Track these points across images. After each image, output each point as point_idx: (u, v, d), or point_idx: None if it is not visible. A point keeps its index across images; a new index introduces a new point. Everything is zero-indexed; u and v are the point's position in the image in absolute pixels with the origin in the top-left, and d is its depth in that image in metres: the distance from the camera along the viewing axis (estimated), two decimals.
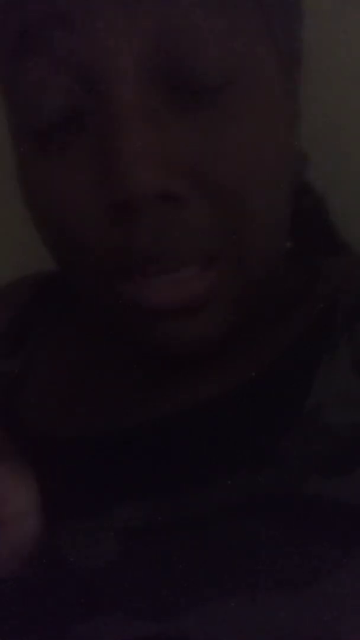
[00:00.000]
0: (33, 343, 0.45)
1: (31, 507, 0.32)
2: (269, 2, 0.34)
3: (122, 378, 0.39)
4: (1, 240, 0.54)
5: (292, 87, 0.37)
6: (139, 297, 0.34)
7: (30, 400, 0.42)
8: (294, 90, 0.37)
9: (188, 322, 0.34)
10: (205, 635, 0.29)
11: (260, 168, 0.34)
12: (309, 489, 0.32)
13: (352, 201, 0.48)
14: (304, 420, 0.33)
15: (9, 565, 0.32)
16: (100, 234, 0.33)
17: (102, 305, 0.36)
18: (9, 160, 0.37)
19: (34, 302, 0.48)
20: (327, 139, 0.47)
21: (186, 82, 0.32)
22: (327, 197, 0.46)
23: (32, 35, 0.33)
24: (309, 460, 0.32)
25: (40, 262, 0.40)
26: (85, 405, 0.39)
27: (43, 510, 0.32)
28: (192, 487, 0.33)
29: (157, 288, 0.34)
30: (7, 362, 0.44)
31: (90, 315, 0.41)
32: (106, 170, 0.32)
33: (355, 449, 0.32)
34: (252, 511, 0.32)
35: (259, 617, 0.29)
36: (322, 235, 0.46)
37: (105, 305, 0.36)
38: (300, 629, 0.29)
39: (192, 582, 0.30)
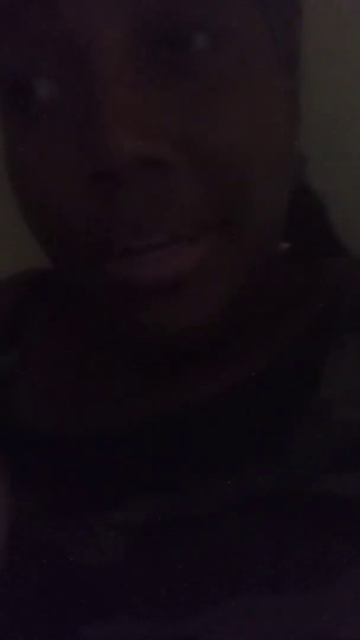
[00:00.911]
0: (28, 340, 0.45)
1: None
2: None
3: (121, 375, 0.39)
4: None
5: (287, 80, 0.36)
6: (127, 275, 0.33)
7: (27, 397, 0.42)
8: (289, 84, 0.36)
9: (178, 301, 0.33)
10: (209, 636, 0.29)
11: (248, 137, 0.33)
12: (317, 486, 0.32)
13: (352, 201, 0.48)
14: (311, 418, 0.33)
15: None
16: (83, 208, 0.32)
17: (91, 288, 0.35)
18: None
19: (29, 299, 0.48)
20: (327, 139, 0.47)
21: (170, 44, 0.31)
22: (327, 197, 0.46)
23: (8, 10, 0.32)
24: (316, 458, 0.32)
25: (36, 259, 0.40)
26: (83, 403, 0.39)
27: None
28: (197, 486, 0.33)
29: (144, 263, 0.32)
30: (2, 359, 0.44)
31: (86, 311, 0.41)
32: (87, 140, 0.31)
33: None
34: (259, 510, 0.32)
35: (265, 617, 0.29)
36: (322, 235, 0.46)
37: (94, 287, 0.35)
38: (309, 629, 0.29)
39: (195, 582, 0.30)
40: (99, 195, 0.32)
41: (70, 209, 0.33)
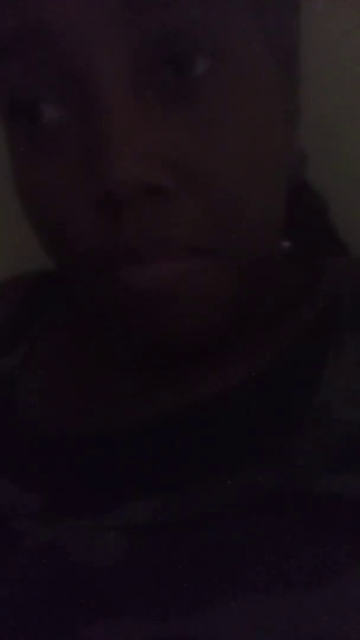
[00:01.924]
0: (31, 341, 0.45)
1: None
2: None
3: (122, 376, 0.39)
4: None
5: (286, 82, 0.36)
6: (126, 284, 0.34)
7: (29, 398, 0.42)
8: (289, 86, 0.37)
9: (174, 309, 0.34)
10: (210, 636, 0.29)
11: (249, 162, 0.33)
12: (318, 486, 0.32)
13: (352, 201, 0.48)
14: (312, 417, 0.33)
15: None
16: (86, 228, 0.33)
17: (92, 293, 0.36)
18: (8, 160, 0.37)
19: (31, 300, 0.48)
20: (327, 139, 0.47)
21: (172, 68, 0.32)
22: (327, 197, 0.46)
23: (16, 39, 0.32)
24: (317, 458, 0.32)
25: (38, 260, 0.40)
26: (85, 403, 0.39)
27: None
28: (198, 486, 0.33)
29: (142, 276, 0.33)
30: (5, 360, 0.44)
31: (88, 312, 0.41)
32: (90, 166, 0.32)
33: None
34: (259, 510, 0.32)
35: (266, 617, 0.29)
36: (322, 235, 0.46)
37: (95, 293, 0.36)
38: (310, 629, 0.29)
39: (196, 582, 0.30)
40: (103, 216, 0.33)
41: (73, 230, 0.34)
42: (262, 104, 0.34)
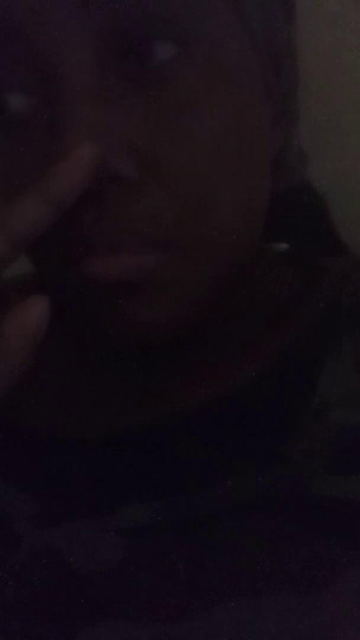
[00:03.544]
0: None
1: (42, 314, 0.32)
2: None
3: (121, 378, 0.39)
4: None
5: (273, 83, 0.36)
6: (88, 276, 0.33)
7: (26, 400, 0.42)
8: (276, 87, 0.36)
9: (136, 301, 0.33)
10: (210, 637, 0.29)
11: (216, 155, 0.32)
12: (315, 488, 0.32)
13: (352, 201, 0.48)
14: (310, 419, 0.33)
15: (20, 355, 0.32)
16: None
17: (59, 284, 0.35)
18: None
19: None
20: (327, 139, 0.47)
21: (134, 56, 0.31)
22: (327, 197, 0.46)
23: None
24: (315, 459, 0.32)
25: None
26: (82, 406, 0.39)
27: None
28: (196, 488, 0.33)
29: (108, 267, 0.32)
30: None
31: (71, 312, 0.41)
32: (53, 154, 0.31)
33: None
34: (258, 512, 0.32)
35: (265, 618, 0.29)
36: (322, 235, 0.46)
37: (62, 284, 0.35)
38: (309, 630, 0.29)
39: (195, 583, 0.30)
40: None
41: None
42: (236, 98, 0.33)
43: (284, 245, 0.41)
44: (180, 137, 0.32)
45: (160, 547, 0.32)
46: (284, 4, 0.37)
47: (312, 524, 0.31)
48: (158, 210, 0.32)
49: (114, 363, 0.40)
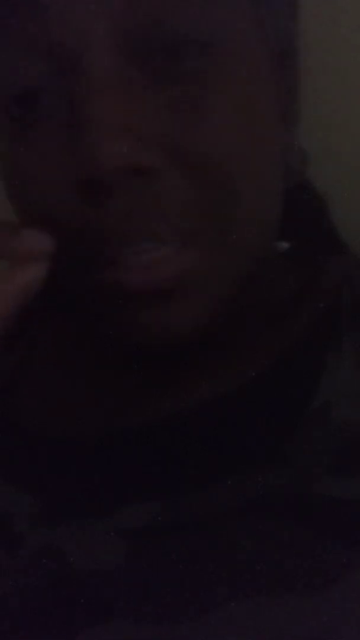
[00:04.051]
0: (28, 343, 0.45)
1: (45, 247, 0.32)
2: None
3: (121, 378, 0.39)
4: None
5: (283, 80, 0.36)
6: (117, 281, 0.33)
7: (27, 400, 0.42)
8: (285, 85, 0.36)
9: (169, 306, 0.33)
10: (210, 638, 0.29)
11: (239, 147, 0.33)
12: (317, 488, 0.32)
13: (352, 201, 0.48)
14: (312, 419, 0.33)
15: (11, 304, 0.32)
16: (72, 215, 0.32)
17: (82, 292, 0.35)
18: None
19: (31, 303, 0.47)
20: (327, 139, 0.47)
21: (161, 53, 0.31)
22: (327, 197, 0.46)
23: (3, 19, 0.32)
24: (316, 459, 0.32)
25: None
26: (83, 405, 0.39)
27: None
28: (197, 488, 0.33)
29: (133, 270, 0.32)
30: (4, 360, 0.44)
31: (81, 315, 0.41)
32: (76, 147, 0.31)
33: None
34: (259, 512, 0.32)
35: (265, 620, 0.29)
36: (322, 235, 0.46)
37: (85, 292, 0.35)
38: (309, 631, 0.29)
39: (196, 584, 0.30)
40: (88, 203, 0.32)
41: (60, 216, 0.33)
42: (254, 94, 0.34)
43: (284, 245, 0.41)
44: (203, 128, 0.32)
45: (160, 547, 0.32)
46: (289, 3, 0.37)
47: (313, 524, 0.31)
48: (186, 202, 0.32)
49: (114, 363, 0.40)
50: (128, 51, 0.31)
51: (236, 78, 0.33)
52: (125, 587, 0.31)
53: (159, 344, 0.35)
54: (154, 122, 0.31)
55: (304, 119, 0.38)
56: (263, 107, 0.34)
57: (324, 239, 0.46)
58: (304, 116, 0.38)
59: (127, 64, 0.31)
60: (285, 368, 0.36)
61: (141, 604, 0.30)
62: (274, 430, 0.34)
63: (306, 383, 0.35)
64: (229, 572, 0.30)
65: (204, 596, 0.30)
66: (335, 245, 0.46)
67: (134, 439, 0.36)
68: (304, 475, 0.32)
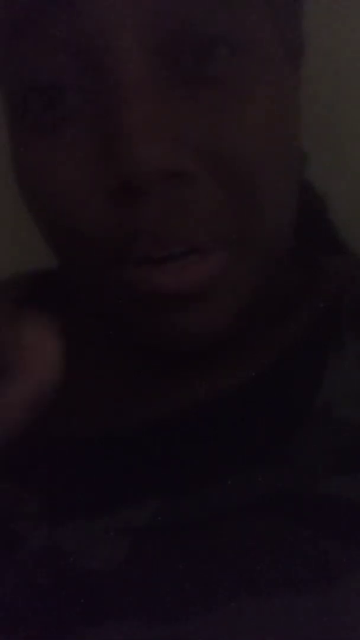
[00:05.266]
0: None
1: (55, 357, 0.28)
2: None
3: (123, 377, 0.39)
4: None
5: (294, 78, 0.36)
6: (146, 283, 0.33)
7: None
8: (295, 82, 0.36)
9: (199, 308, 0.33)
10: (210, 637, 0.29)
11: (270, 146, 0.33)
12: (318, 488, 0.32)
13: (352, 201, 0.48)
14: (314, 418, 0.33)
15: (17, 415, 0.29)
16: (103, 219, 0.32)
17: (108, 297, 0.35)
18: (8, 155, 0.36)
19: (30, 300, 0.47)
20: (327, 139, 0.47)
21: (194, 55, 0.31)
22: (327, 197, 0.46)
23: (27, 16, 0.31)
24: (317, 459, 0.32)
25: (38, 259, 0.40)
26: (85, 404, 0.39)
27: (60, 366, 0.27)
28: (198, 488, 0.33)
29: (163, 273, 0.32)
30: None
31: (91, 314, 0.41)
32: (109, 149, 0.31)
33: None
34: (261, 511, 0.32)
35: (266, 619, 0.29)
36: (322, 235, 0.46)
37: (112, 296, 0.35)
38: (310, 631, 0.29)
39: (196, 584, 0.30)
40: (120, 205, 0.32)
41: (90, 218, 0.32)
42: (277, 94, 0.34)
43: None
44: (236, 131, 0.32)
45: (161, 547, 0.32)
46: (297, 4, 0.37)
47: (313, 524, 0.31)
48: (218, 206, 0.32)
49: (116, 362, 0.40)
50: (160, 52, 0.31)
51: (264, 80, 0.33)
52: (126, 587, 0.31)
53: (185, 346, 0.35)
54: (189, 125, 0.31)
55: (304, 119, 0.38)
56: (287, 109, 0.34)
57: (324, 239, 0.46)
58: (304, 116, 0.38)
59: (160, 66, 0.31)
60: (286, 368, 0.36)
61: (141, 603, 0.30)
62: (275, 430, 0.34)
63: (307, 383, 0.35)
64: (229, 571, 0.30)
65: (204, 596, 0.30)
66: (335, 245, 0.46)
67: (135, 439, 0.36)
68: (304, 475, 0.32)
